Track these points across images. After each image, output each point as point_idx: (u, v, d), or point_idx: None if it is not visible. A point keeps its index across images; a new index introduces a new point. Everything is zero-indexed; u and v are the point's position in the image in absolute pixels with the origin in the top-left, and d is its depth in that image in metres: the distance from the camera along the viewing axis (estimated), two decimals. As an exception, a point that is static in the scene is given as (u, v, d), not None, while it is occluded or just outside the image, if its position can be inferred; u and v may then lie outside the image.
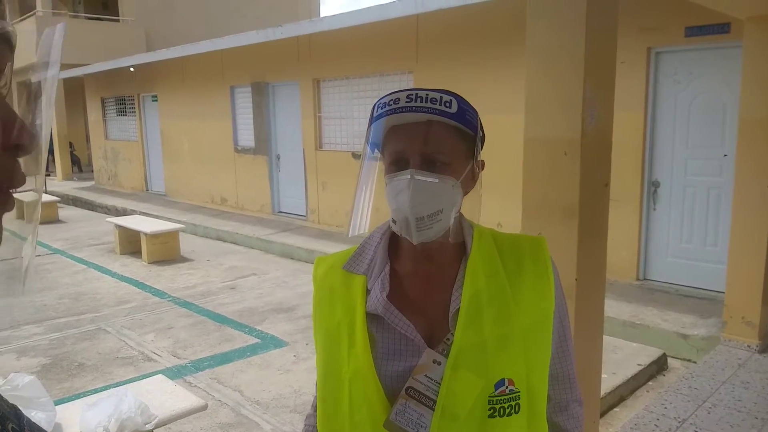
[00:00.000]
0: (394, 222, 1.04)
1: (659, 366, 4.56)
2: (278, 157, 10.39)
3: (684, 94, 5.54)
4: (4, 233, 0.45)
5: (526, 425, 1.03)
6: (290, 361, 4.74)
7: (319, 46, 8.98)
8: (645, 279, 5.94)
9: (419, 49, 7.70)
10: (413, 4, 6.91)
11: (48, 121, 0.46)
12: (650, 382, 4.39)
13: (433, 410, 1.00)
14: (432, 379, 1.01)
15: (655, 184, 5.81)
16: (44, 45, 0.44)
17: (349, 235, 1.08)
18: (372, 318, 1.07)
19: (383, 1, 7.23)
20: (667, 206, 5.78)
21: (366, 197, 1.09)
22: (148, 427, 2.74)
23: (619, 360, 4.48)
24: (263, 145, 10.49)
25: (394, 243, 1.13)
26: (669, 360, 4.65)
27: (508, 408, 1.00)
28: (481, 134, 1.06)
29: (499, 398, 1.00)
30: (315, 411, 1.20)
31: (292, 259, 8.16)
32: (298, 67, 9.42)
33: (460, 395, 0.99)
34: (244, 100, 10.80)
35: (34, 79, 0.44)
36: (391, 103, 1.01)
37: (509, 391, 1.00)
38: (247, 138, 10.91)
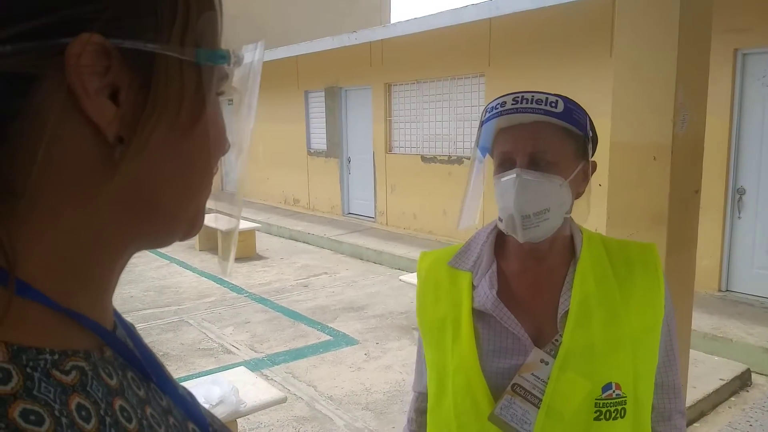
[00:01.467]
0: (501, 220, 1.07)
1: (743, 381, 4.36)
2: (349, 160, 10.58)
3: (774, 98, 5.28)
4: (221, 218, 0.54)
5: (631, 431, 1.03)
6: (361, 359, 4.84)
7: (391, 51, 9.09)
8: (728, 290, 5.69)
9: (492, 53, 7.66)
10: (487, 8, 6.90)
11: (250, 130, 0.53)
12: (733, 398, 4.21)
13: (538, 408, 1.01)
14: (539, 378, 1.02)
15: (741, 192, 5.56)
16: (248, 58, 0.48)
17: (459, 228, 1.13)
18: (478, 314, 1.09)
19: (455, 5, 7.25)
20: (752, 215, 5.51)
21: (474, 197, 1.13)
22: (242, 409, 2.91)
23: (700, 374, 4.32)
24: (335, 148, 10.71)
25: (500, 243, 1.15)
26: (753, 376, 4.44)
27: (614, 412, 1.01)
28: (592, 134, 1.07)
29: (606, 401, 1.00)
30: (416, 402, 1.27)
31: (361, 259, 8.30)
32: (370, 71, 9.57)
33: (566, 396, 1.00)
34: (318, 105, 11.07)
35: (236, 94, 0.50)
36: (498, 106, 1.04)
37: (616, 395, 1.01)
38: (319, 141, 11.17)
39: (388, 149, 9.58)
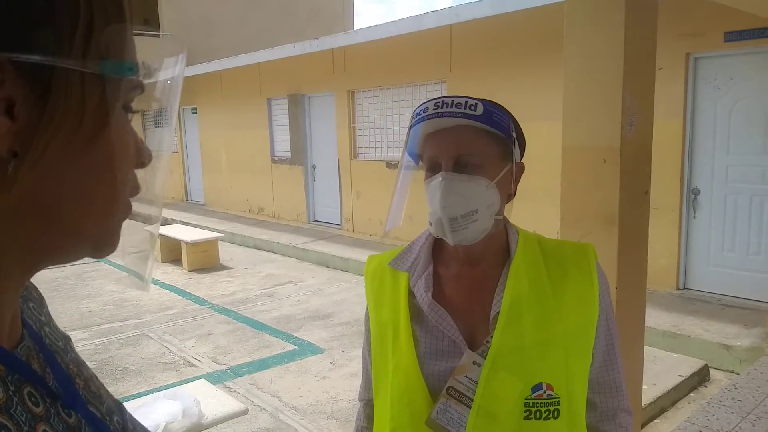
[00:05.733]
0: (431, 224, 1.08)
1: (701, 377, 4.46)
2: (314, 167, 10.53)
3: (724, 100, 5.45)
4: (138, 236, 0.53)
5: (566, 431, 1.04)
6: (327, 368, 4.80)
7: (354, 57, 9.10)
8: (685, 288, 5.83)
9: (453, 59, 7.73)
10: (448, 15, 6.96)
11: (170, 139, 0.52)
12: (691, 394, 4.31)
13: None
14: (472, 380, 1.03)
15: (695, 192, 5.71)
16: (167, 70, 0.49)
17: (385, 230, 1.15)
18: (416, 317, 1.10)
19: (417, 12, 7.30)
20: (707, 214, 5.67)
21: (399, 200, 1.14)
22: (204, 421, 2.87)
23: (660, 371, 4.40)
24: (299, 155, 10.65)
25: (438, 246, 1.16)
26: (711, 371, 4.55)
27: (545, 412, 1.01)
28: (515, 136, 1.08)
29: (536, 401, 1.01)
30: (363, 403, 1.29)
31: (327, 267, 8.25)
32: (333, 78, 9.56)
33: (497, 396, 1.01)
34: (281, 112, 11.00)
35: (154, 102, 0.49)
36: (422, 112, 1.06)
37: (547, 395, 1.01)
38: (283, 148, 11.10)
39: (353, 156, 9.56)
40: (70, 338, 0.55)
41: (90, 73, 0.40)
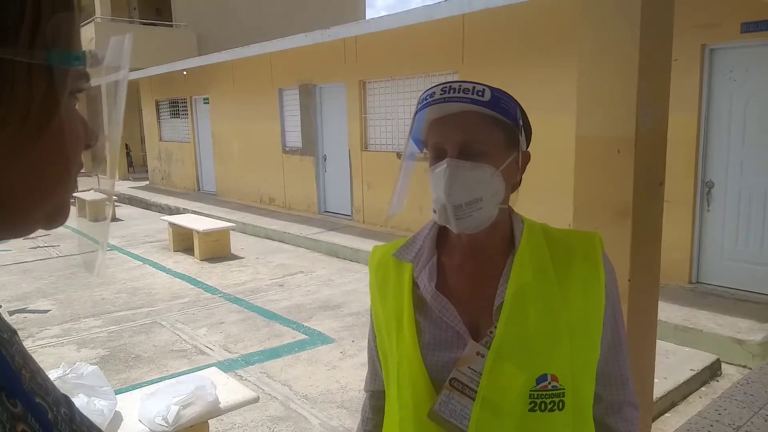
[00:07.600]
0: (435, 212, 1.06)
1: (712, 372, 4.44)
2: (325, 158, 10.54)
3: (740, 92, 5.37)
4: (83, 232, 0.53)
5: (571, 423, 1.01)
6: (337, 358, 4.82)
7: (365, 47, 9.07)
8: (698, 282, 5.78)
9: (465, 49, 7.69)
10: (460, 5, 6.91)
11: (119, 123, 0.52)
12: (703, 388, 4.28)
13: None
14: (475, 371, 1.01)
15: (709, 185, 5.65)
16: (113, 53, 0.48)
17: (387, 216, 1.13)
18: (420, 308, 1.08)
19: (429, 1, 7.26)
20: (721, 207, 5.61)
21: (403, 186, 1.12)
22: (221, 406, 2.91)
23: (671, 365, 4.38)
24: (310, 145, 10.66)
25: (443, 236, 1.14)
26: (723, 366, 4.52)
27: (550, 404, 0.99)
28: (522, 123, 1.05)
29: (541, 393, 0.99)
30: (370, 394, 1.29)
31: (337, 257, 8.27)
32: (344, 68, 9.54)
33: (501, 387, 0.99)
34: (292, 102, 11.00)
35: (104, 84, 0.49)
36: (428, 97, 1.04)
37: (552, 387, 0.99)
38: (294, 139, 11.11)
39: (364, 146, 9.55)
40: (16, 332, 0.55)
41: (37, 64, 0.39)
